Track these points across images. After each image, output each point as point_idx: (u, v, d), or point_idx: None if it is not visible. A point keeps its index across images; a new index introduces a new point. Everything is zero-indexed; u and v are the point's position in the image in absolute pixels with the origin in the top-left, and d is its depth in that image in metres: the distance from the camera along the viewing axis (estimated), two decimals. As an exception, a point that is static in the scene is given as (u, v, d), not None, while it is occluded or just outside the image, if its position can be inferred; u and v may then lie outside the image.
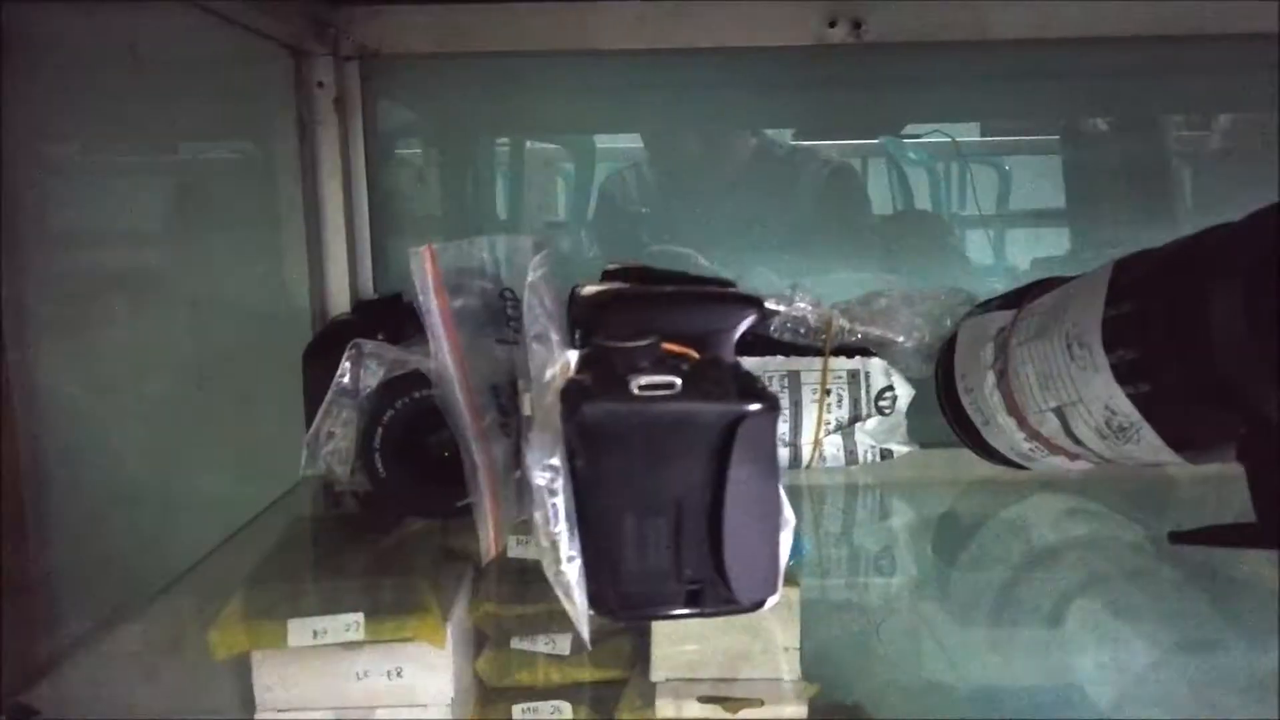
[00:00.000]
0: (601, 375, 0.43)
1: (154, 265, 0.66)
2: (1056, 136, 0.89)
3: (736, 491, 0.42)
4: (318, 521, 0.68)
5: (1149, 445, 0.52)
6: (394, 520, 0.62)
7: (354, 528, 0.64)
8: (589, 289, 0.50)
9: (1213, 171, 0.89)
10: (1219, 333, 0.44)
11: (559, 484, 0.40)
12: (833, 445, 0.67)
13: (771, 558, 0.45)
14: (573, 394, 0.42)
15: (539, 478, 0.40)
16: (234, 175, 0.75)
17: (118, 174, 0.63)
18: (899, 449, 0.68)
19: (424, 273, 0.50)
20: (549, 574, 0.41)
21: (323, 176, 0.78)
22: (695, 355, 0.46)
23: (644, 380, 0.41)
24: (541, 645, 0.57)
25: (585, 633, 0.41)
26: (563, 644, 0.56)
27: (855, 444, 0.67)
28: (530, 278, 0.49)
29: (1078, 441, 0.57)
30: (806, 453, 0.68)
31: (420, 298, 0.50)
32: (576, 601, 0.41)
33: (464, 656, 0.56)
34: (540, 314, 0.48)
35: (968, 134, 0.87)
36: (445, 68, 0.80)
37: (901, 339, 0.67)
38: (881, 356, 0.69)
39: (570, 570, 0.41)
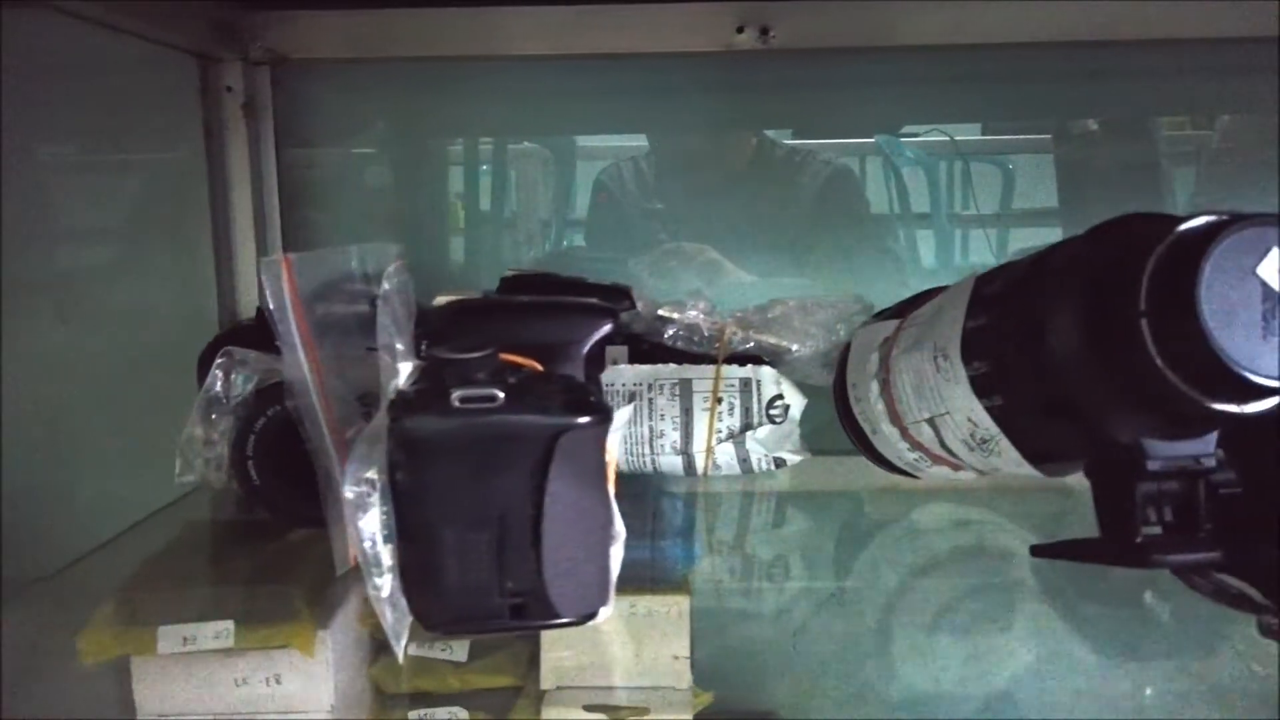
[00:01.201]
0: (428, 387, 0.43)
1: (58, 269, 0.66)
2: (973, 138, 0.89)
3: (558, 505, 0.42)
4: (208, 526, 0.68)
5: (1009, 458, 0.52)
6: (282, 527, 0.62)
7: (241, 534, 0.65)
8: (438, 299, 0.50)
9: (1146, 174, 0.89)
10: (1058, 350, 0.44)
11: (373, 498, 0.40)
12: (725, 454, 0.67)
13: (599, 571, 0.45)
14: (395, 406, 0.42)
15: (349, 491, 0.40)
16: (139, 181, 0.75)
17: (19, 179, 0.63)
18: (791, 457, 0.68)
19: (277, 282, 0.50)
20: (367, 588, 0.41)
21: (232, 181, 0.78)
22: (537, 367, 0.46)
23: (464, 393, 0.41)
24: (438, 651, 0.57)
25: (400, 649, 0.41)
26: (459, 650, 0.56)
27: (748, 452, 0.67)
28: (383, 288, 0.49)
29: (951, 453, 0.57)
30: (700, 461, 0.67)
31: (272, 307, 0.49)
32: (388, 616, 0.41)
33: (353, 663, 0.55)
34: (388, 324, 0.48)
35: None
36: (357, 72, 0.80)
37: (795, 347, 0.67)
38: (780, 365, 0.69)
39: (384, 584, 0.41)
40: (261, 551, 0.61)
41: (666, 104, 0.84)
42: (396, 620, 0.41)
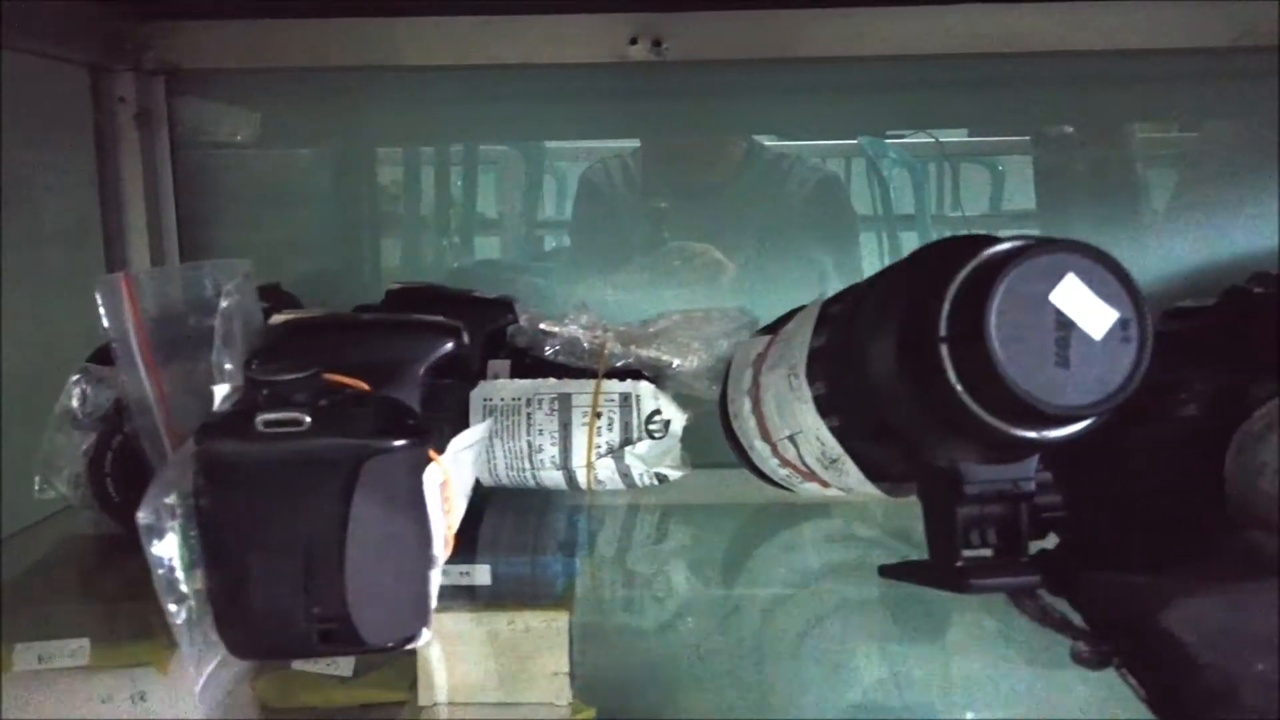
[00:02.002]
0: (238, 410, 0.43)
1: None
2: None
3: (366, 530, 0.42)
4: (75, 543, 0.68)
5: (855, 477, 0.51)
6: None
7: (105, 551, 0.64)
8: (276, 317, 0.49)
9: (1061, 184, 0.89)
10: (874, 373, 0.44)
11: (171, 524, 0.40)
12: (606, 469, 0.67)
13: (415, 596, 0.44)
14: (200, 429, 0.42)
15: (142, 516, 0.39)
16: (29, 193, 0.74)
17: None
18: (672, 473, 0.67)
19: (116, 300, 0.49)
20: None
21: (126, 193, 0.77)
22: (363, 388, 0.45)
23: (269, 416, 0.41)
24: (322, 666, 0.56)
25: (193, 675, 0.41)
26: (344, 665, 0.56)
27: (628, 467, 0.66)
28: (222, 304, 0.49)
29: (811, 470, 0.56)
30: (581, 476, 0.67)
31: (108, 326, 0.49)
32: (185, 644, 0.40)
33: (226, 680, 0.55)
34: (219, 343, 0.47)
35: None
36: (253, 82, 0.80)
37: (677, 362, 0.67)
38: (667, 379, 0.69)
39: (179, 611, 0.40)
40: (124, 569, 0.61)
41: (563, 112, 0.83)
42: (196, 648, 0.40)
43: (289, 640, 0.42)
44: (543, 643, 0.59)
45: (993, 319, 0.37)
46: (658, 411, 0.66)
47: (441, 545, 0.47)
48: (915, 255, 0.45)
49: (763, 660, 0.57)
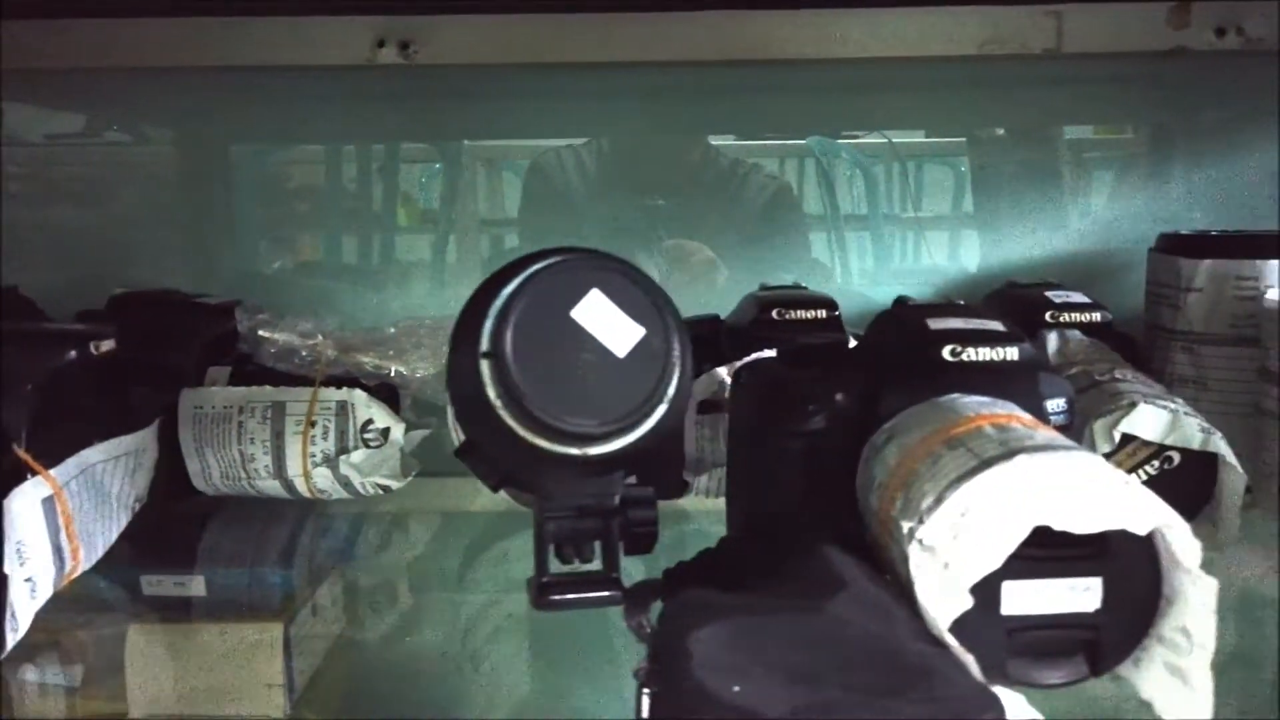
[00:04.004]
0: None
1: None
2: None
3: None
4: None
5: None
6: None
7: None
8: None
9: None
10: (452, 388, 0.43)
11: None
12: (324, 478, 0.66)
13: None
14: None
15: None
16: None
17: None
18: (390, 483, 0.67)
19: None
20: None
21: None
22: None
23: None
24: (50, 676, 0.56)
25: None
26: (73, 676, 0.55)
27: (346, 476, 0.66)
28: None
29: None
30: (300, 485, 0.66)
31: None
32: None
33: None
34: None
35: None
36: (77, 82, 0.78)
37: (396, 369, 0.66)
38: (407, 387, 0.68)
39: None
40: None
41: (314, 115, 0.83)
42: None
43: None
44: (257, 654, 0.58)
45: (508, 336, 0.37)
46: (371, 420, 0.65)
47: (51, 559, 0.46)
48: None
49: (494, 666, 0.57)
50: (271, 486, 0.66)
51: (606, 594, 0.43)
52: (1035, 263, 0.85)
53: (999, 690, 0.39)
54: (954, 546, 0.36)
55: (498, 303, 0.39)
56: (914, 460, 0.43)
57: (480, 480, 0.44)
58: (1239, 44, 0.74)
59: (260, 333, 0.66)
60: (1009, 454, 0.38)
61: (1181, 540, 0.36)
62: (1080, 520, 0.35)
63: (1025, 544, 0.37)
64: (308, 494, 0.67)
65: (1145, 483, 0.56)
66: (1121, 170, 0.85)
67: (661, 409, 0.39)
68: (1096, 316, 0.67)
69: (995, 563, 0.36)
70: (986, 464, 0.38)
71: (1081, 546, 0.37)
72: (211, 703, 0.53)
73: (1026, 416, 0.44)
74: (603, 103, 0.82)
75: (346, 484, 0.66)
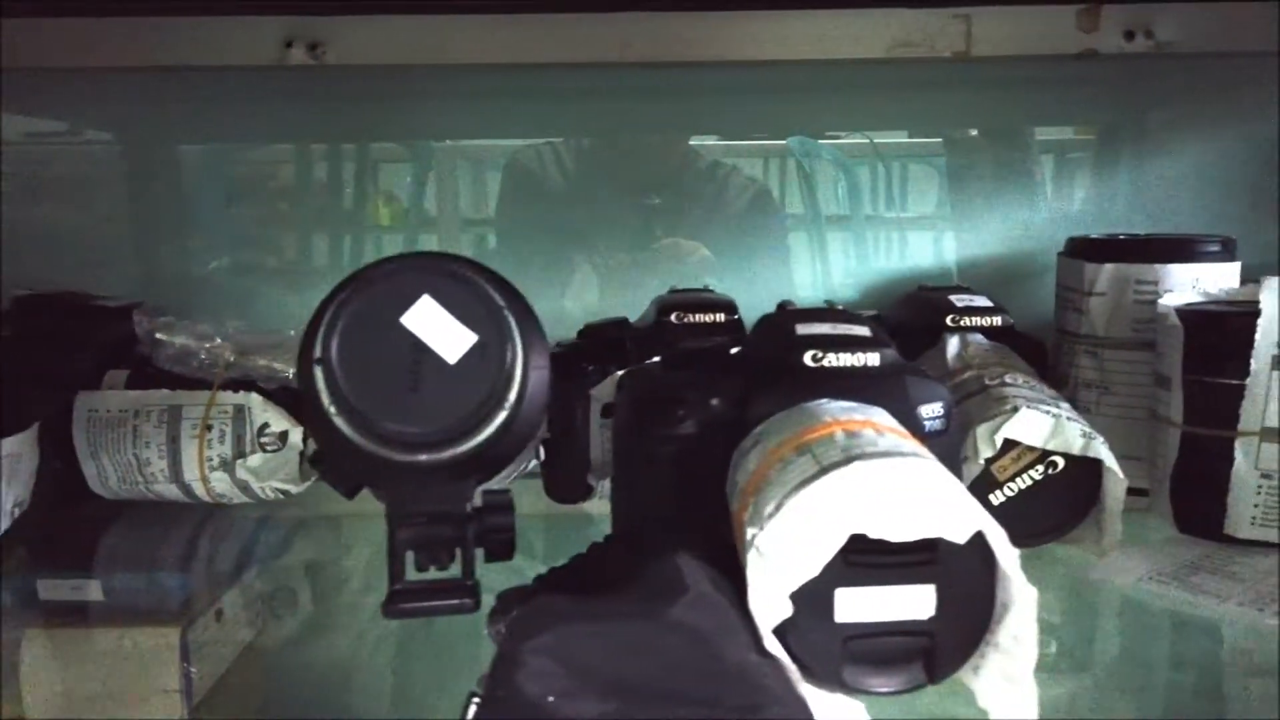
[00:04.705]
0: None
1: None
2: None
3: None
4: None
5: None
6: None
7: None
8: None
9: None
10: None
11: None
12: (221, 482, 0.65)
13: None
14: None
15: None
16: None
17: None
18: (287, 487, 0.66)
19: None
20: None
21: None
22: None
23: None
24: None
25: None
26: None
27: (245, 481, 0.65)
28: None
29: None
30: (198, 489, 0.66)
31: None
32: None
33: None
34: None
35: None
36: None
37: (294, 373, 0.66)
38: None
39: None
40: None
41: (229, 115, 0.82)
42: None
43: None
44: (154, 659, 0.58)
45: (335, 343, 0.37)
46: (268, 424, 0.65)
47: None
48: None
49: (398, 669, 0.56)
50: (169, 491, 0.66)
51: (457, 602, 0.43)
52: (948, 266, 0.85)
53: (838, 698, 0.39)
54: (781, 553, 0.36)
55: (330, 310, 0.38)
56: (768, 466, 0.42)
57: (333, 488, 0.44)
58: (1148, 47, 0.74)
59: (158, 335, 0.65)
60: (846, 461, 0.38)
61: (1002, 548, 0.36)
62: (898, 528, 0.35)
63: (858, 551, 0.37)
64: (207, 498, 0.67)
65: (1030, 487, 0.56)
66: (1034, 174, 0.85)
67: (502, 415, 0.39)
68: (998, 321, 0.67)
69: (813, 570, 0.36)
70: (824, 471, 0.38)
71: (914, 554, 0.37)
72: (109, 707, 0.53)
73: (886, 422, 0.44)
74: (517, 102, 0.82)
75: (245, 488, 0.66)
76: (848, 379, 0.46)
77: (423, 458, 0.39)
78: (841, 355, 0.46)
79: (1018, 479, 0.56)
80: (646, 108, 0.84)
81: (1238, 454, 0.56)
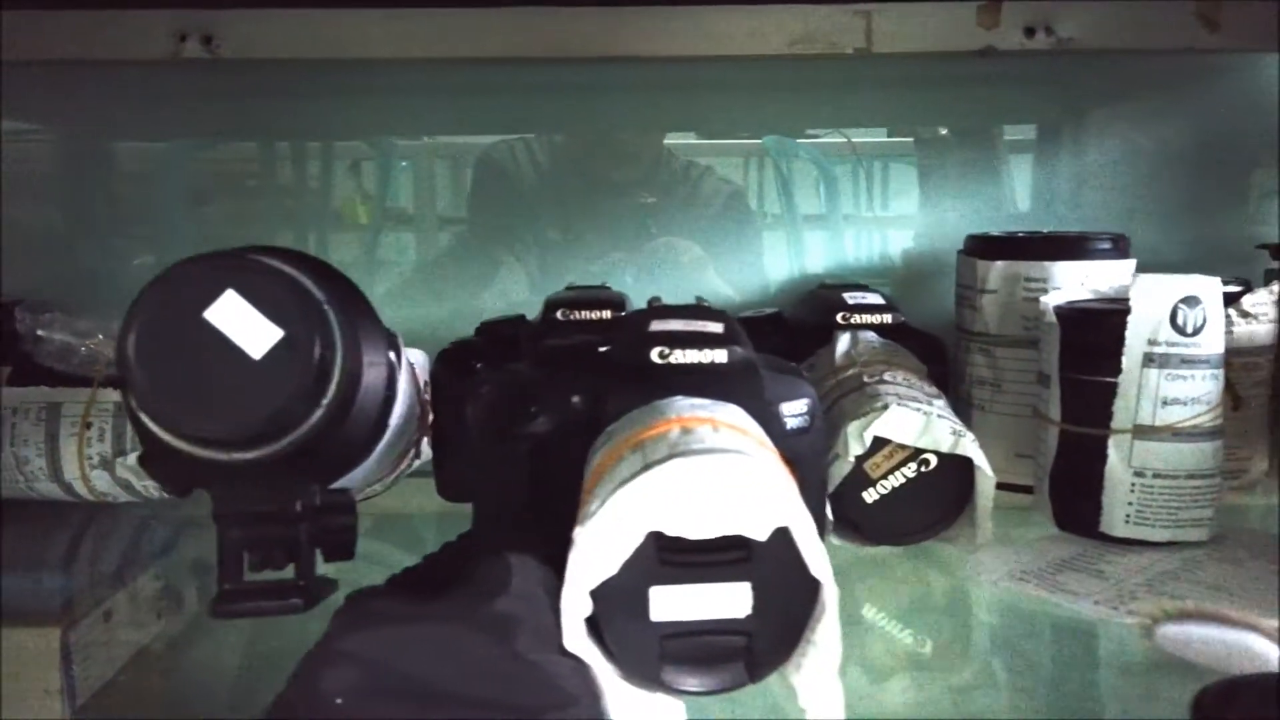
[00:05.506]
0: None
1: None
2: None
3: None
4: None
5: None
6: None
7: None
8: None
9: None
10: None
11: None
12: (102, 480, 0.64)
13: None
14: None
15: None
16: None
17: None
18: (170, 485, 0.65)
19: None
20: None
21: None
22: None
23: None
24: None
25: None
26: None
27: (126, 479, 0.64)
28: None
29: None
30: (79, 488, 0.65)
31: None
32: None
33: None
34: None
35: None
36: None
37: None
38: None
39: None
40: None
41: (123, 111, 0.81)
42: None
43: None
44: (34, 660, 0.57)
45: (136, 341, 0.36)
46: (147, 422, 0.64)
47: None
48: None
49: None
50: (50, 489, 0.65)
51: (286, 603, 0.42)
52: (849, 265, 0.85)
53: (658, 698, 0.38)
54: (594, 550, 0.36)
55: (132, 309, 0.38)
56: (605, 464, 0.42)
57: (162, 487, 0.43)
58: (1048, 44, 0.74)
59: (39, 332, 0.64)
60: (668, 458, 0.37)
61: (808, 546, 0.35)
62: (698, 526, 0.35)
63: (673, 549, 0.36)
64: (89, 497, 0.66)
65: (904, 485, 0.56)
66: (933, 172, 0.85)
67: (318, 412, 0.39)
68: (888, 318, 0.67)
69: (612, 569, 0.35)
70: (646, 468, 0.37)
71: (727, 551, 0.36)
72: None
73: (731, 419, 0.43)
74: (425, 99, 0.81)
75: (128, 486, 0.65)
76: (696, 375, 0.46)
77: (237, 456, 0.38)
78: (688, 352, 0.46)
79: (891, 477, 0.56)
80: (547, 103, 0.83)
81: (1111, 452, 0.56)
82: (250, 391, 0.36)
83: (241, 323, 0.36)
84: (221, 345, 0.36)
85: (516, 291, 0.83)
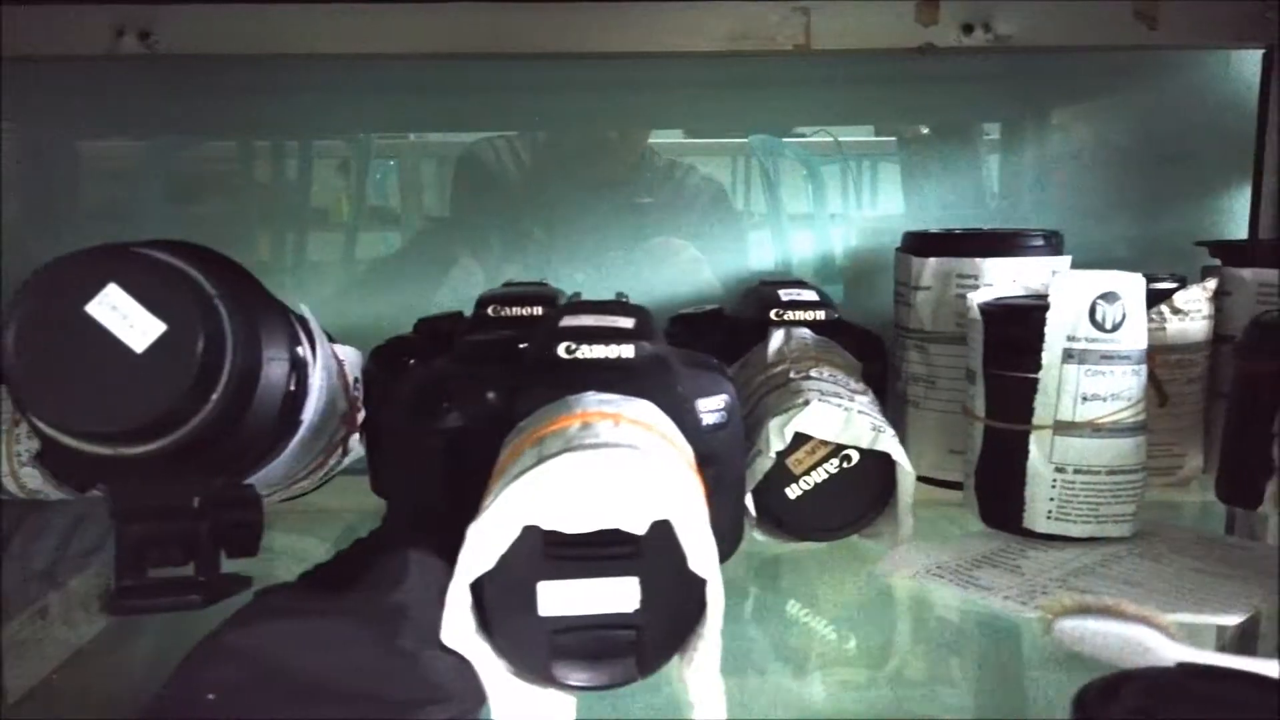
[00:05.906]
0: None
1: None
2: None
3: None
4: None
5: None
6: None
7: None
8: None
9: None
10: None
11: None
12: (33, 478, 0.64)
13: None
14: None
15: None
16: None
17: None
18: (100, 483, 0.65)
19: None
20: None
21: None
22: None
23: None
24: None
25: None
26: None
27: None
28: None
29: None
30: (10, 485, 0.64)
31: None
32: None
33: None
34: None
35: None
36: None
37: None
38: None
39: None
40: None
41: (64, 106, 0.81)
42: None
43: None
44: None
45: (15, 337, 0.36)
46: (76, 418, 0.64)
47: None
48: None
49: None
50: (-24, 487, 0.64)
51: (184, 599, 0.42)
52: (793, 262, 0.85)
53: (549, 693, 0.38)
54: (480, 545, 0.36)
55: (11, 304, 0.37)
56: (508, 459, 0.42)
57: (58, 484, 0.43)
58: (987, 41, 0.74)
59: None
60: (560, 453, 0.37)
61: (692, 541, 0.35)
62: (575, 520, 0.35)
63: (560, 544, 0.36)
64: (20, 494, 0.65)
65: (826, 481, 0.56)
66: (875, 170, 0.85)
67: (207, 407, 0.38)
68: (820, 315, 0.67)
69: (488, 563, 0.35)
70: (540, 463, 0.37)
71: (615, 546, 0.36)
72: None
73: (637, 415, 0.43)
74: (367, 95, 0.81)
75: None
76: (603, 371, 0.46)
77: (124, 451, 0.38)
78: (595, 347, 0.46)
79: (813, 473, 0.56)
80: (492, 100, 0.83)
81: (1032, 448, 0.56)
82: (133, 386, 0.36)
83: (124, 316, 0.36)
84: (104, 340, 0.36)
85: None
